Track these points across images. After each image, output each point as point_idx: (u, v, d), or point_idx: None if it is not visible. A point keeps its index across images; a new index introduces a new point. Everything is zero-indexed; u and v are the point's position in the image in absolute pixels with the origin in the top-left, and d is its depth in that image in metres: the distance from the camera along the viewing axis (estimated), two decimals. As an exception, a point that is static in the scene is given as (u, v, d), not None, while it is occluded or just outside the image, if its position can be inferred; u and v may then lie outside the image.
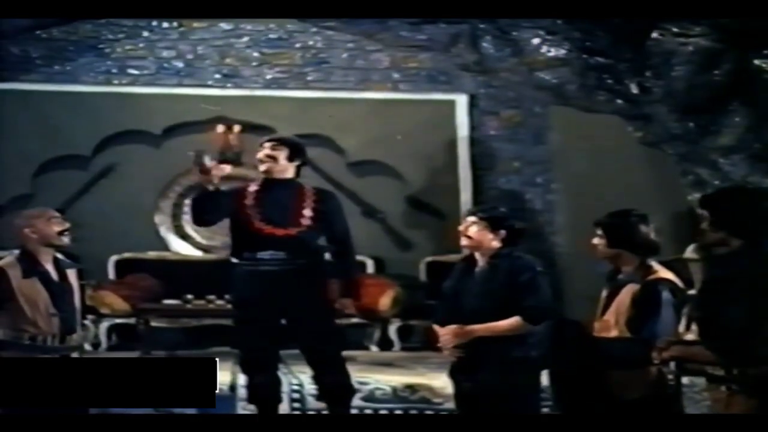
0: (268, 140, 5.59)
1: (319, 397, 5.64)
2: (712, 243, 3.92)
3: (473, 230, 4.82)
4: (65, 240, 4.86)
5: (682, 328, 4.15)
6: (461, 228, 4.90)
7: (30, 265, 4.76)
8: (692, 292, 4.43)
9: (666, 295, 4.30)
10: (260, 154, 5.53)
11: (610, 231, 4.49)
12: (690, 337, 3.94)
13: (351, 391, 5.58)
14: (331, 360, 5.47)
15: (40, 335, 4.70)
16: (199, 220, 5.65)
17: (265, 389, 5.50)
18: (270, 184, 5.52)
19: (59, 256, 4.92)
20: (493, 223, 4.80)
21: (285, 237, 5.37)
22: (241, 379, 5.99)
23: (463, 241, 4.88)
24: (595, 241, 4.53)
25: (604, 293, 4.51)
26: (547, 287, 4.78)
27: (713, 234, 3.88)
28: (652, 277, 4.37)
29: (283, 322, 5.47)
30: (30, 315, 4.68)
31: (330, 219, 5.56)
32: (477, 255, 4.85)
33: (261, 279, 5.38)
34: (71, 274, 4.90)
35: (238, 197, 5.49)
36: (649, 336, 4.18)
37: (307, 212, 5.46)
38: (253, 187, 5.56)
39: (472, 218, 4.86)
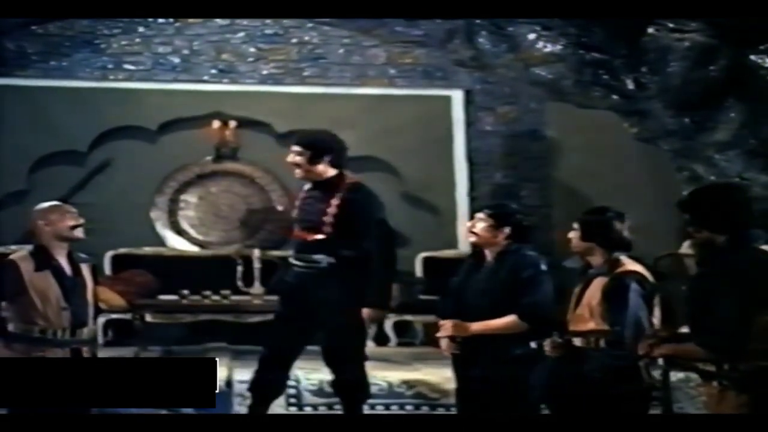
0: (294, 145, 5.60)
1: (335, 393, 5.64)
2: (700, 243, 3.97)
3: (479, 227, 4.91)
4: (79, 234, 4.87)
5: (657, 320, 4.24)
6: (468, 224, 5.04)
7: (43, 259, 4.76)
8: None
9: (634, 286, 4.43)
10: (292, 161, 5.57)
11: (585, 226, 4.63)
12: (662, 331, 4.01)
13: (367, 389, 5.59)
14: (351, 359, 5.47)
15: (50, 328, 4.71)
16: None
17: (270, 385, 5.54)
18: (316, 184, 5.59)
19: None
20: (498, 220, 4.87)
21: (313, 242, 5.46)
22: (238, 375, 5.98)
23: (471, 238, 4.99)
24: (571, 234, 4.66)
25: (577, 288, 4.61)
26: (549, 286, 4.82)
27: (698, 235, 3.94)
28: (620, 270, 4.48)
29: (308, 322, 5.50)
30: (41, 308, 4.69)
31: (356, 214, 5.48)
32: (486, 251, 4.92)
33: (293, 281, 5.54)
34: (85, 269, 4.91)
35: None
36: (621, 328, 4.32)
37: (332, 210, 5.44)
38: (306, 187, 5.69)
39: (480, 215, 4.96)
